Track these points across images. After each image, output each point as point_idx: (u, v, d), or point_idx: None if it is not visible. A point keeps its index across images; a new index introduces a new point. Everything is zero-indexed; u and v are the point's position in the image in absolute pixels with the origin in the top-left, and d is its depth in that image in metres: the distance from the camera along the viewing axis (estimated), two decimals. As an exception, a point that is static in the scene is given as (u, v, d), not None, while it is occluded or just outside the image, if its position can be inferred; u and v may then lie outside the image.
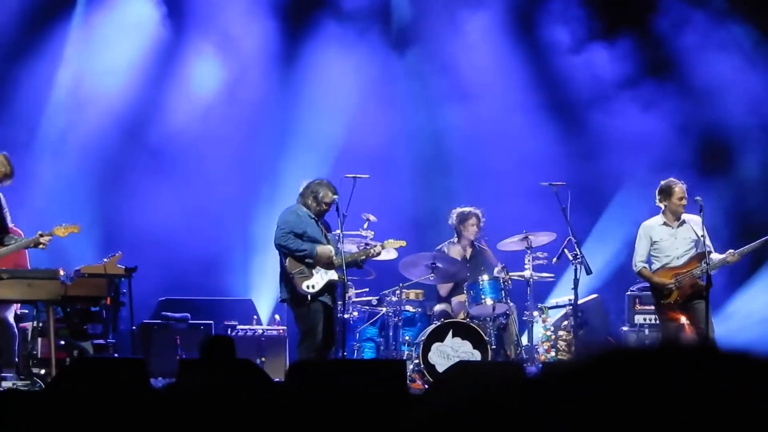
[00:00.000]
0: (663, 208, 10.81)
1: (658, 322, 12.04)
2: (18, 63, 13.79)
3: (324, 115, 14.15)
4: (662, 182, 10.85)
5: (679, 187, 10.71)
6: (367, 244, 11.36)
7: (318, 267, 10.46)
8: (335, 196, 10.57)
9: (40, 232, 10.19)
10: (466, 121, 14.31)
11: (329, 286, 10.53)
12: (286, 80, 14.34)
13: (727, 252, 10.64)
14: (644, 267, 10.82)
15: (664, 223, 10.77)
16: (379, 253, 10.97)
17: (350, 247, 11.30)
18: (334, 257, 10.46)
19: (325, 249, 10.47)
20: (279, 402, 5.54)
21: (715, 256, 10.65)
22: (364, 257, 10.88)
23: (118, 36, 13.95)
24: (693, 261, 10.65)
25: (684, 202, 10.70)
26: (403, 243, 11.35)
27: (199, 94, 14.18)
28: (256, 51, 14.24)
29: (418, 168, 14.36)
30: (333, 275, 10.52)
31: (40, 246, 10.17)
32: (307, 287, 10.41)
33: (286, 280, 10.54)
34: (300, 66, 14.33)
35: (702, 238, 10.57)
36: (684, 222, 10.75)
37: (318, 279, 10.46)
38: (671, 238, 10.74)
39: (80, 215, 12.94)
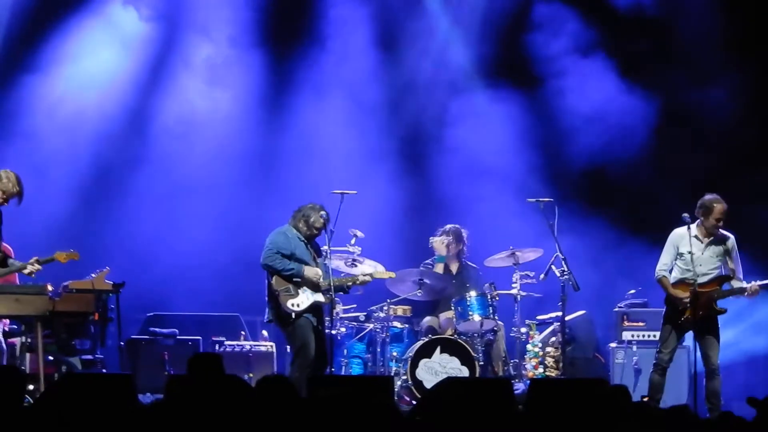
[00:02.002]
0: (699, 221, 10.55)
1: (647, 337, 12.11)
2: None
3: (310, 129, 14.17)
4: (706, 197, 10.52)
5: (720, 208, 10.42)
6: (354, 260, 11.39)
7: (305, 287, 10.48)
8: (323, 214, 10.55)
9: (36, 258, 10.18)
10: (451, 137, 14.30)
11: (314, 308, 10.53)
12: (271, 96, 14.34)
13: (751, 283, 10.50)
14: (665, 276, 10.60)
15: (696, 236, 10.55)
16: (367, 283, 11.02)
17: (337, 263, 11.32)
18: (321, 280, 10.48)
19: (313, 270, 10.49)
20: (262, 418, 5.55)
21: (736, 283, 10.54)
22: (350, 284, 10.91)
23: (106, 53, 14.01)
24: (714, 282, 10.51)
25: (721, 223, 10.47)
26: (393, 274, 11.39)
27: (184, 112, 14.17)
28: (241, 70, 14.24)
29: (405, 183, 14.34)
30: (319, 297, 10.52)
31: (30, 274, 10.19)
32: (292, 305, 10.40)
33: (272, 300, 10.55)
34: (285, 83, 14.33)
35: (727, 261, 10.51)
36: (716, 240, 10.57)
37: (303, 299, 10.46)
38: (698, 252, 10.50)
39: (68, 230, 12.97)
